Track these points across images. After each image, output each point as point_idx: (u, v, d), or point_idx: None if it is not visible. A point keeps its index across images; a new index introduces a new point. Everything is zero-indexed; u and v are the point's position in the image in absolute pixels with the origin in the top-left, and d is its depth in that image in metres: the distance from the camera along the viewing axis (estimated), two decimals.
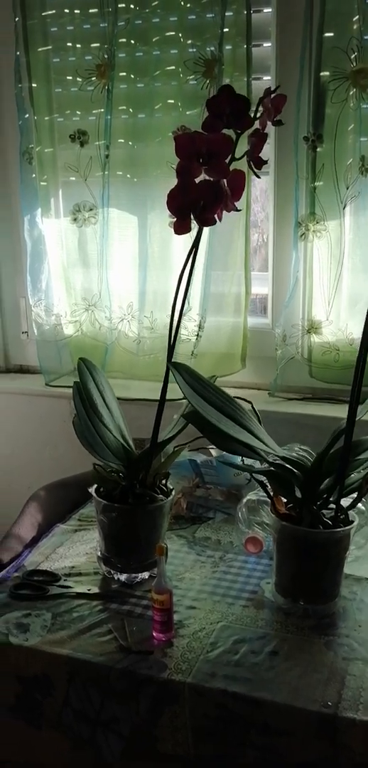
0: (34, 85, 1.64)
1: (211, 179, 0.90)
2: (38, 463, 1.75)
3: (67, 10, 1.59)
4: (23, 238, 1.70)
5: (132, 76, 1.57)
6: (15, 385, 1.76)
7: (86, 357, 1.67)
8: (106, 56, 1.56)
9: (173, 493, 1.05)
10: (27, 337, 1.83)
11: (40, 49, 1.62)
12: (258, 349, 1.63)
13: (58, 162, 1.67)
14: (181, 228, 0.90)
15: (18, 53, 1.62)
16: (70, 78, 1.61)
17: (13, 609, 0.96)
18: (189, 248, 0.95)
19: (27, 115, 1.65)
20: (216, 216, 0.92)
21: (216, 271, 1.57)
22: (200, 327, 1.56)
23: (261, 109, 0.94)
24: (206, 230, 0.97)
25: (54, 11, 1.60)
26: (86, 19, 1.58)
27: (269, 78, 1.51)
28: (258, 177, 1.01)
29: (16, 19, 1.61)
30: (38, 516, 1.23)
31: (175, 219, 0.89)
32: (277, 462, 0.94)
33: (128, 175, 1.62)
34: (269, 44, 1.50)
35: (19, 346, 1.87)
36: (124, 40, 1.55)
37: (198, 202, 0.89)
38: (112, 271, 1.64)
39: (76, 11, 1.59)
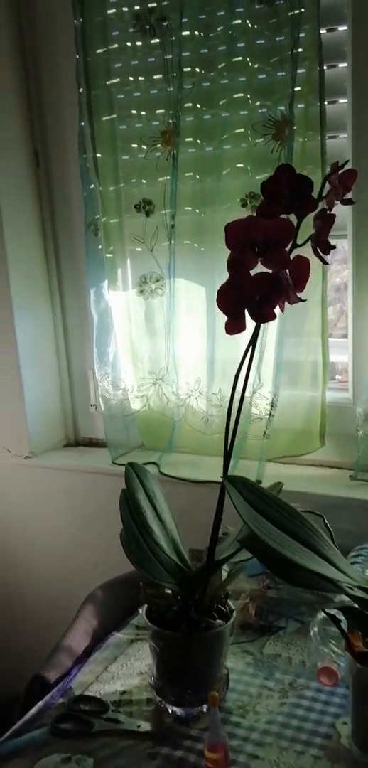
0: (98, 155, 1.60)
1: (269, 271, 0.80)
2: (105, 541, 1.67)
3: (131, 78, 1.54)
4: (90, 311, 1.65)
5: (198, 140, 1.50)
6: (82, 462, 1.70)
7: (153, 433, 1.63)
8: (171, 122, 1.50)
9: (234, 615, 0.93)
10: (95, 410, 1.77)
11: (104, 118, 1.58)
12: (338, 425, 1.49)
13: (124, 232, 1.61)
14: (233, 328, 0.79)
15: (82, 123, 1.58)
16: (135, 146, 1.56)
17: (53, 749, 0.86)
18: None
19: (92, 186, 1.60)
20: (276, 310, 0.81)
21: (291, 338, 1.45)
22: (273, 405, 1.44)
23: (327, 186, 0.82)
24: None
25: (118, 79, 1.56)
26: (151, 85, 1.53)
27: (345, 136, 1.39)
28: (326, 263, 0.89)
29: (81, 90, 1.57)
30: (93, 621, 1.14)
31: (227, 318, 0.79)
32: (356, 594, 0.80)
33: (195, 244, 1.53)
34: (345, 100, 1.38)
35: (88, 419, 1.81)
36: (189, 104, 1.48)
37: (253, 298, 0.78)
38: (178, 343, 1.55)
39: (140, 78, 1.53)
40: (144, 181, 1.57)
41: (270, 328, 1.43)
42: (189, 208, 1.53)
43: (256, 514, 0.81)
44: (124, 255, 1.62)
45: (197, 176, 1.51)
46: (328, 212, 0.83)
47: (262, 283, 0.79)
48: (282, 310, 0.83)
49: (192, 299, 1.54)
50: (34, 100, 1.71)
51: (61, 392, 1.82)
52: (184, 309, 1.54)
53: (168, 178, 1.52)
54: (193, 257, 1.52)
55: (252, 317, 0.79)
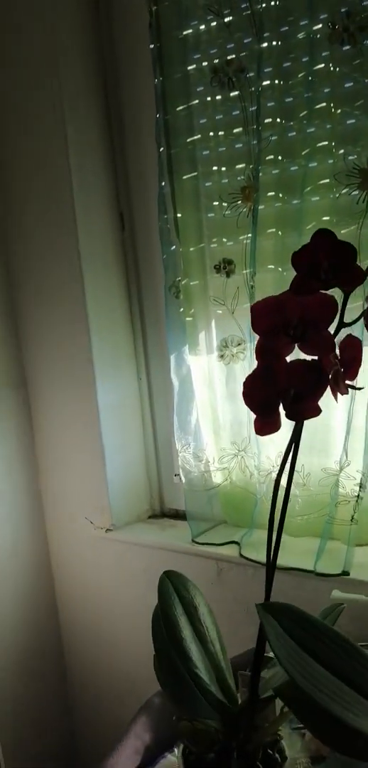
0: (179, 214, 1.52)
1: (308, 358, 0.66)
2: None
3: (211, 133, 1.46)
4: (171, 377, 1.56)
5: (280, 194, 1.38)
6: (161, 538, 1.60)
7: (236, 509, 1.50)
8: (251, 176, 1.39)
9: (286, 763, 0.78)
10: (179, 480, 1.67)
11: (184, 177, 1.51)
12: None
13: (205, 294, 1.52)
14: (264, 427, 0.67)
15: (163, 183, 1.52)
16: (216, 204, 1.47)
17: None
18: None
19: (173, 247, 1.53)
20: (319, 404, 0.67)
21: None
22: (361, 486, 1.26)
23: None
24: None
25: (199, 136, 1.48)
26: (231, 140, 1.44)
27: None
28: None
29: (161, 149, 1.51)
30: (146, 737, 1.02)
31: (256, 416, 0.66)
32: None
33: None
34: None
35: (174, 489, 1.72)
36: (270, 156, 1.37)
37: (287, 391, 0.65)
38: None
39: (220, 133, 1.45)
40: (225, 239, 1.47)
41: (361, 397, 1.26)
42: (272, 266, 1.40)
43: (299, 650, 0.66)
44: (205, 318, 1.53)
45: (279, 232, 1.39)
46: None
47: (298, 372, 0.65)
48: (335, 399, 0.69)
49: None
50: (120, 163, 1.67)
51: (147, 461, 1.74)
52: None
53: (249, 235, 1.41)
54: None
55: (287, 415, 0.65)
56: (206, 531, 1.54)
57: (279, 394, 0.65)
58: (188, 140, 1.50)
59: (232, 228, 1.44)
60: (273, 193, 1.38)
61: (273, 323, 0.65)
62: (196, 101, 1.47)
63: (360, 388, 0.70)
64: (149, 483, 1.74)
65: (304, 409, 0.65)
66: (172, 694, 0.77)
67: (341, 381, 0.67)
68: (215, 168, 1.47)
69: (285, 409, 0.65)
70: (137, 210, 1.68)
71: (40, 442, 1.75)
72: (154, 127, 1.51)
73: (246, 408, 1.40)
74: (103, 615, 1.71)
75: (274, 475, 1.36)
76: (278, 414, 0.66)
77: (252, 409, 0.66)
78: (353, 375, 0.68)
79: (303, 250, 0.64)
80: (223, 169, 1.46)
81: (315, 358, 0.67)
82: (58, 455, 1.72)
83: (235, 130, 1.43)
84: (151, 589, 1.60)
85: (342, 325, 0.68)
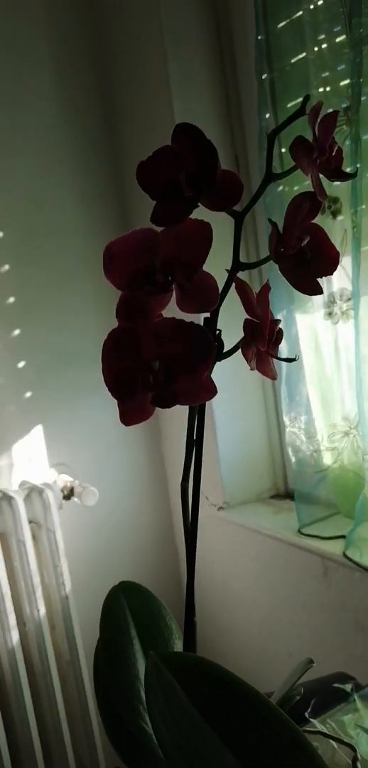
0: (283, 149, 1.30)
1: (189, 312, 0.47)
2: (296, 628, 1.36)
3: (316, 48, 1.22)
4: None
5: None
6: (272, 524, 1.41)
7: (348, 497, 1.26)
8: (350, 93, 1.13)
9: None
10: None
11: (289, 105, 1.28)
12: None
13: None
14: (128, 414, 0.48)
15: (267, 115, 1.31)
16: None
17: None
18: None
19: (279, 188, 1.32)
20: (209, 380, 0.47)
21: None
22: None
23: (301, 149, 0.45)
24: None
25: (304, 54, 1.24)
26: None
27: None
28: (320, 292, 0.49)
29: (263, 76, 1.30)
30: None
31: (117, 400, 0.48)
32: None
33: None
34: None
35: None
36: None
37: (151, 366, 0.46)
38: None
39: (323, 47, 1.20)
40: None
41: None
42: None
43: (202, 729, 0.48)
44: None
45: None
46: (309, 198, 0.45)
47: (170, 336, 0.46)
48: (270, 374, 0.49)
49: None
50: (233, 103, 1.49)
51: (269, 434, 1.55)
52: None
53: (357, 166, 1.15)
54: None
55: (153, 398, 0.46)
56: (318, 520, 1.32)
57: (142, 367, 0.46)
58: (292, 61, 1.26)
59: None
60: None
61: (132, 268, 0.46)
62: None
63: (293, 359, 0.48)
64: (272, 459, 1.56)
65: (179, 390, 0.46)
66: (114, 741, 0.62)
67: (260, 341, 0.46)
68: (321, 90, 1.22)
69: (150, 388, 0.46)
70: (251, 151, 1.48)
71: None
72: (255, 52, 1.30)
73: (361, 377, 1.16)
74: (218, 599, 1.58)
75: None
76: (143, 396, 0.47)
77: (108, 388, 0.48)
78: (330, 269, 0.46)
79: (152, 159, 0.44)
80: (328, 89, 1.21)
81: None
82: (177, 419, 1.60)
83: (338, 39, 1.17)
84: (263, 579, 1.44)
85: (238, 265, 0.46)
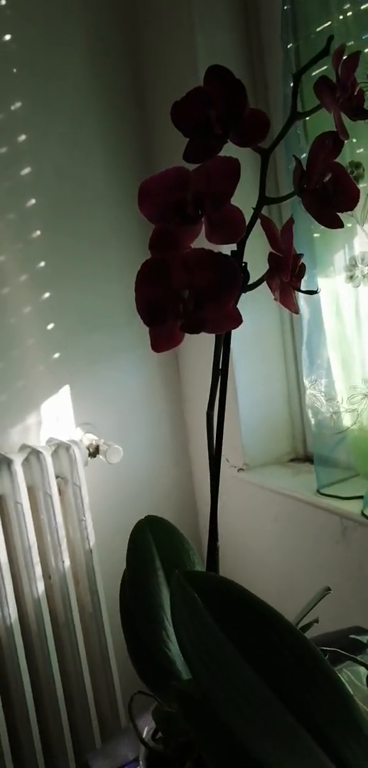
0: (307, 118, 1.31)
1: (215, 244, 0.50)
2: (315, 588, 1.39)
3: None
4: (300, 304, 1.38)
5: None
6: (291, 485, 1.44)
7: (365, 456, 1.28)
8: None
9: None
10: None
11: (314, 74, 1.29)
12: None
13: None
14: (158, 341, 0.52)
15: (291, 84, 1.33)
16: None
17: None
18: None
19: (303, 156, 1.33)
20: (237, 310, 0.50)
21: None
22: None
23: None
24: None
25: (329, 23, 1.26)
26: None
27: None
28: None
29: (289, 45, 1.32)
30: None
31: (148, 326, 0.52)
32: None
33: None
34: None
35: None
36: None
37: (181, 294, 0.50)
38: None
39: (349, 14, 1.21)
40: (354, 139, 1.24)
41: None
42: None
43: (223, 644, 0.51)
44: (334, 232, 1.31)
45: None
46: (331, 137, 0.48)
47: (199, 265, 0.49)
48: (292, 308, 0.52)
49: None
50: (258, 72, 1.50)
51: (289, 398, 1.58)
52: None
53: None
54: None
55: (183, 325, 0.50)
56: (337, 482, 1.35)
57: (172, 295, 0.50)
58: (317, 29, 1.28)
59: (361, 125, 1.20)
60: None
61: (165, 202, 0.50)
62: None
63: (314, 292, 0.51)
64: (291, 422, 1.58)
65: (207, 318, 0.49)
66: (139, 669, 0.65)
67: (284, 273, 0.50)
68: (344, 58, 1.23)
69: (179, 315, 0.50)
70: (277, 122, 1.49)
71: (183, 366, 1.68)
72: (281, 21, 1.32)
73: None
74: (237, 560, 1.61)
75: None
76: (173, 324, 0.51)
77: (140, 316, 0.51)
78: (351, 204, 0.49)
79: (185, 100, 0.47)
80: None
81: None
82: (198, 383, 1.64)
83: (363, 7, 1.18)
84: (281, 539, 1.47)
85: (264, 200, 0.49)
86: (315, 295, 1.34)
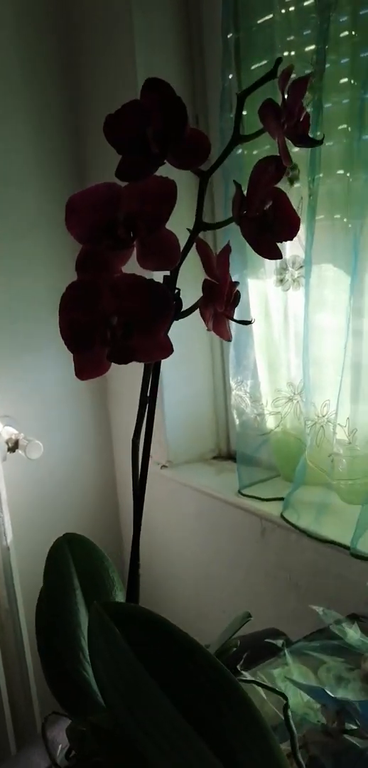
0: (245, 112, 1.29)
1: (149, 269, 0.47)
2: (233, 585, 1.40)
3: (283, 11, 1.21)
4: None
5: (353, 82, 1.10)
6: (213, 483, 1.44)
7: (289, 461, 1.29)
8: (314, 59, 1.13)
9: None
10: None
11: (253, 67, 1.27)
12: None
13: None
14: (83, 367, 0.48)
15: (230, 76, 1.30)
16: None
17: None
18: None
19: (239, 151, 1.31)
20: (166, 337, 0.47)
21: None
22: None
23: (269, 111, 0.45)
24: None
25: (270, 16, 1.23)
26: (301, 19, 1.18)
27: None
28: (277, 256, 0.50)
29: (229, 35, 1.29)
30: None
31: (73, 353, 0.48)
32: None
33: (344, 219, 1.14)
34: None
35: None
36: (345, 33, 1.09)
37: (109, 321, 0.46)
38: (313, 350, 1.18)
39: (290, 9, 1.19)
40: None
41: None
42: (341, 172, 1.14)
43: (142, 676, 0.49)
44: None
45: (349, 129, 1.11)
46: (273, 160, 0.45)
47: (129, 291, 0.46)
48: (225, 336, 0.49)
49: (331, 292, 1.15)
50: (197, 60, 1.47)
51: (214, 396, 1.57)
52: (320, 305, 1.17)
53: (318, 134, 1.15)
54: (337, 236, 1.14)
55: (109, 353, 0.46)
56: (258, 482, 1.35)
57: (100, 320, 0.46)
58: (258, 21, 1.25)
59: None
60: (345, 80, 1.11)
61: (94, 221, 0.46)
62: None
63: (248, 322, 0.49)
64: (216, 421, 1.58)
65: (136, 347, 0.46)
66: (53, 687, 0.63)
67: (218, 302, 0.47)
68: (286, 53, 1.22)
69: (107, 343, 0.46)
70: (212, 115, 1.47)
71: None
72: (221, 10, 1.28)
73: (308, 344, 1.18)
74: (158, 555, 1.60)
75: (319, 428, 1.14)
76: (100, 350, 0.47)
77: (64, 341, 0.48)
78: (290, 234, 0.47)
79: (120, 113, 0.44)
80: (293, 53, 1.20)
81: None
82: (125, 379, 1.60)
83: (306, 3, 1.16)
84: (202, 536, 1.47)
85: (201, 225, 0.46)
86: (244, 296, 1.33)
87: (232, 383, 1.36)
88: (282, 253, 1.18)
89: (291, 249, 1.24)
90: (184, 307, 0.49)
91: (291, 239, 0.48)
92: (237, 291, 0.50)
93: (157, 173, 0.45)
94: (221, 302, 0.47)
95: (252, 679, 0.67)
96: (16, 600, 1.40)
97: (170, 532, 1.55)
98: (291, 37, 1.21)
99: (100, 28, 1.45)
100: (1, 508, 1.32)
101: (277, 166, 0.46)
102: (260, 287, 1.30)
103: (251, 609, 1.35)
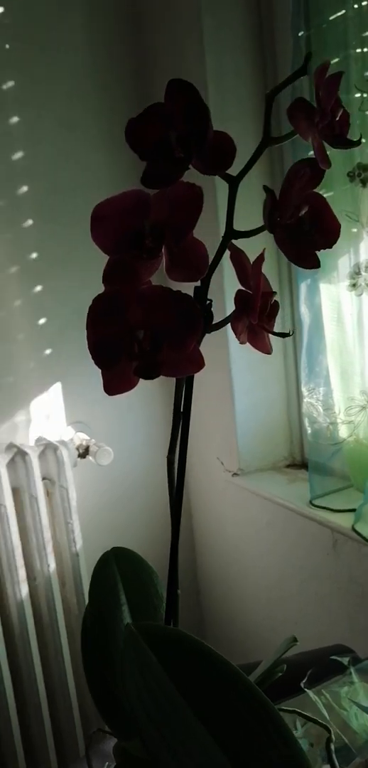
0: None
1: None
2: (305, 597, 1.36)
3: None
4: (300, 310, 1.32)
5: None
6: (285, 493, 1.39)
7: (361, 471, 1.24)
8: None
9: None
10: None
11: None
12: None
13: (338, 206, 1.24)
14: (111, 383, 0.47)
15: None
16: (357, 95, 1.17)
17: None
18: None
19: (311, 152, 1.27)
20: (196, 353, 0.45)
21: None
22: None
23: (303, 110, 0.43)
24: None
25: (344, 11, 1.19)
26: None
27: None
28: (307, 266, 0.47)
29: (300, 33, 1.25)
30: None
31: (100, 367, 0.47)
32: None
33: None
34: None
35: None
36: None
37: (136, 334, 0.45)
38: None
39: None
40: (364, 140, 1.17)
41: None
42: None
43: (176, 701, 0.48)
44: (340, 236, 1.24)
45: None
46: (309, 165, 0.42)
47: (157, 304, 0.44)
48: (265, 350, 0.47)
49: None
50: (269, 60, 1.44)
51: (288, 403, 1.53)
52: None
53: None
54: None
55: (136, 368, 0.45)
56: (331, 492, 1.30)
57: (127, 334, 0.45)
58: (330, 18, 1.21)
59: None
60: None
61: (120, 231, 0.45)
62: None
63: (287, 334, 0.46)
64: (290, 427, 1.53)
65: (164, 361, 0.44)
66: (98, 704, 0.62)
67: (252, 314, 0.44)
68: (359, 50, 1.17)
69: (134, 357, 0.45)
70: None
71: None
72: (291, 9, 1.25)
73: None
74: (229, 564, 1.57)
75: None
76: (127, 365, 0.46)
77: (92, 355, 0.46)
78: (332, 239, 0.44)
79: (142, 117, 0.42)
80: (365, 50, 1.16)
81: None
82: (199, 383, 1.59)
83: None
84: (274, 546, 1.42)
85: (232, 232, 0.44)
86: (316, 301, 1.28)
87: (304, 390, 1.32)
88: (357, 257, 1.13)
89: (365, 252, 1.19)
90: (217, 319, 0.47)
91: (330, 247, 0.45)
92: (276, 302, 0.47)
93: (187, 180, 0.43)
94: (254, 314, 0.45)
95: (294, 709, 0.63)
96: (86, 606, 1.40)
97: (241, 541, 1.52)
98: (366, 33, 1.16)
99: (169, 29, 1.45)
100: (71, 514, 1.33)
101: (313, 170, 0.43)
102: (332, 292, 1.25)
103: (322, 623, 1.30)
